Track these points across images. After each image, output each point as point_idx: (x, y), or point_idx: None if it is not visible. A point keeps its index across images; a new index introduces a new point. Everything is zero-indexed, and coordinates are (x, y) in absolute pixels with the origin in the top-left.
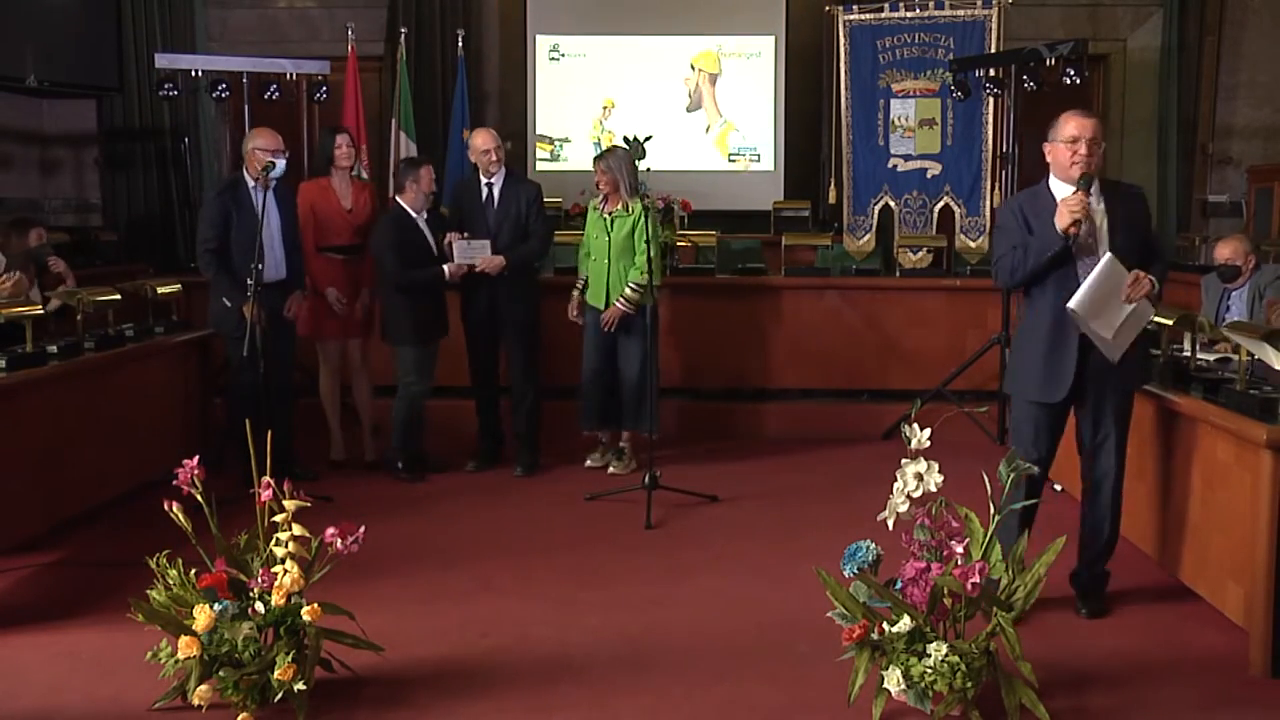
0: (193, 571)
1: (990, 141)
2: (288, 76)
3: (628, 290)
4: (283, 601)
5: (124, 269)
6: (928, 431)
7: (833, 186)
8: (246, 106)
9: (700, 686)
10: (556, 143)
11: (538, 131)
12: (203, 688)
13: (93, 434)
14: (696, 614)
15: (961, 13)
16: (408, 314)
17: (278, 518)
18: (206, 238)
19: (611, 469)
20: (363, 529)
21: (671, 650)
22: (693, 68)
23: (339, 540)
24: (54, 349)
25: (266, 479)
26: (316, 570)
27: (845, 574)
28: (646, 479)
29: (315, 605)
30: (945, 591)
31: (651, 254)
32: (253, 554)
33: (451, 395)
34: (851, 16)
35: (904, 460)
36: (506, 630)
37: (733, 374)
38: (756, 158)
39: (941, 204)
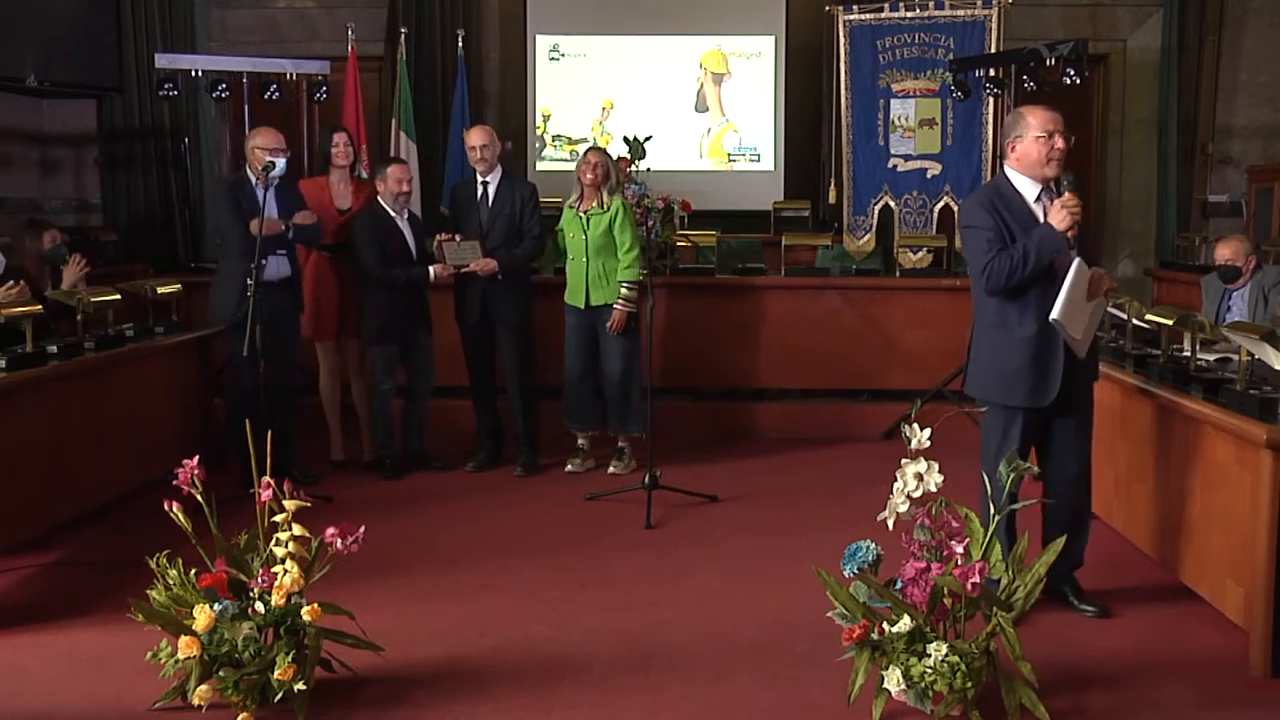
0: (193, 571)
1: (990, 141)
2: (288, 76)
3: (624, 290)
4: (283, 601)
5: (124, 269)
6: (928, 431)
7: (833, 186)
8: (246, 106)
9: (700, 686)
10: (576, 142)
11: (555, 132)
12: (203, 688)
13: (93, 434)
14: (696, 614)
15: (961, 13)
16: (376, 313)
17: (278, 518)
18: (226, 225)
19: (611, 469)
20: (363, 529)
21: (671, 650)
22: (701, 67)
23: (339, 540)
24: (54, 349)
25: (266, 479)
26: (316, 570)
27: (845, 574)
28: (646, 479)
29: (315, 605)
30: (945, 591)
31: (635, 250)
32: (253, 554)
33: (451, 395)
34: (851, 16)
35: (904, 460)
36: (506, 630)
37: (733, 374)
38: (756, 158)
39: (941, 204)
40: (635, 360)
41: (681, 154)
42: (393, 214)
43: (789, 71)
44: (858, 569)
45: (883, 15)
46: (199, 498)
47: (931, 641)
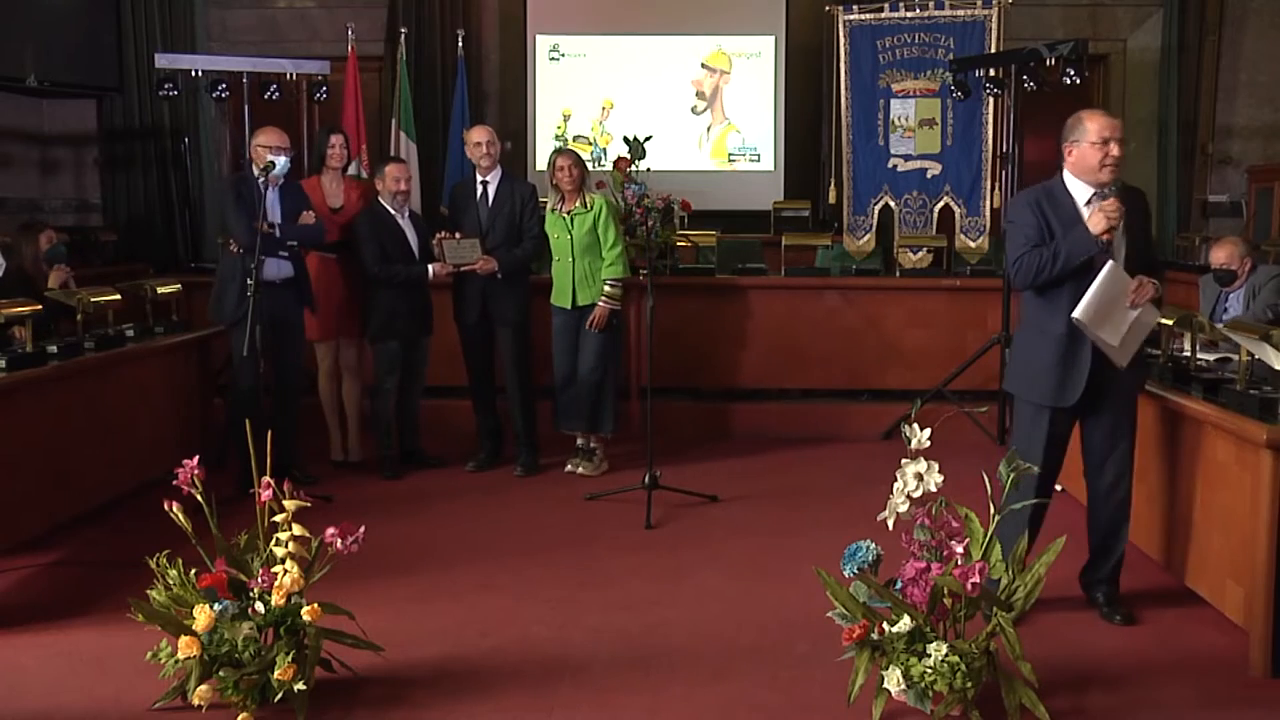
0: (193, 571)
1: (990, 141)
2: (288, 76)
3: (607, 288)
4: (283, 601)
5: (124, 269)
6: (928, 431)
7: (833, 186)
8: (246, 106)
9: (700, 686)
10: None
11: (577, 132)
12: (203, 688)
13: (93, 434)
14: (696, 614)
15: (961, 13)
16: (380, 311)
17: (278, 518)
18: (236, 219)
19: (581, 470)
20: (363, 529)
21: (671, 650)
22: (706, 67)
23: (339, 540)
24: (54, 349)
25: (266, 479)
26: (316, 570)
27: (845, 574)
28: (646, 479)
29: (315, 605)
30: (945, 591)
31: (619, 248)
32: (253, 554)
33: (450, 395)
34: (851, 16)
35: (904, 460)
36: (506, 630)
37: (733, 374)
38: (756, 158)
39: (941, 204)
40: (613, 360)
41: (681, 154)
42: (393, 212)
43: (789, 71)
44: (858, 569)
45: (883, 15)
46: (199, 498)
47: (931, 641)
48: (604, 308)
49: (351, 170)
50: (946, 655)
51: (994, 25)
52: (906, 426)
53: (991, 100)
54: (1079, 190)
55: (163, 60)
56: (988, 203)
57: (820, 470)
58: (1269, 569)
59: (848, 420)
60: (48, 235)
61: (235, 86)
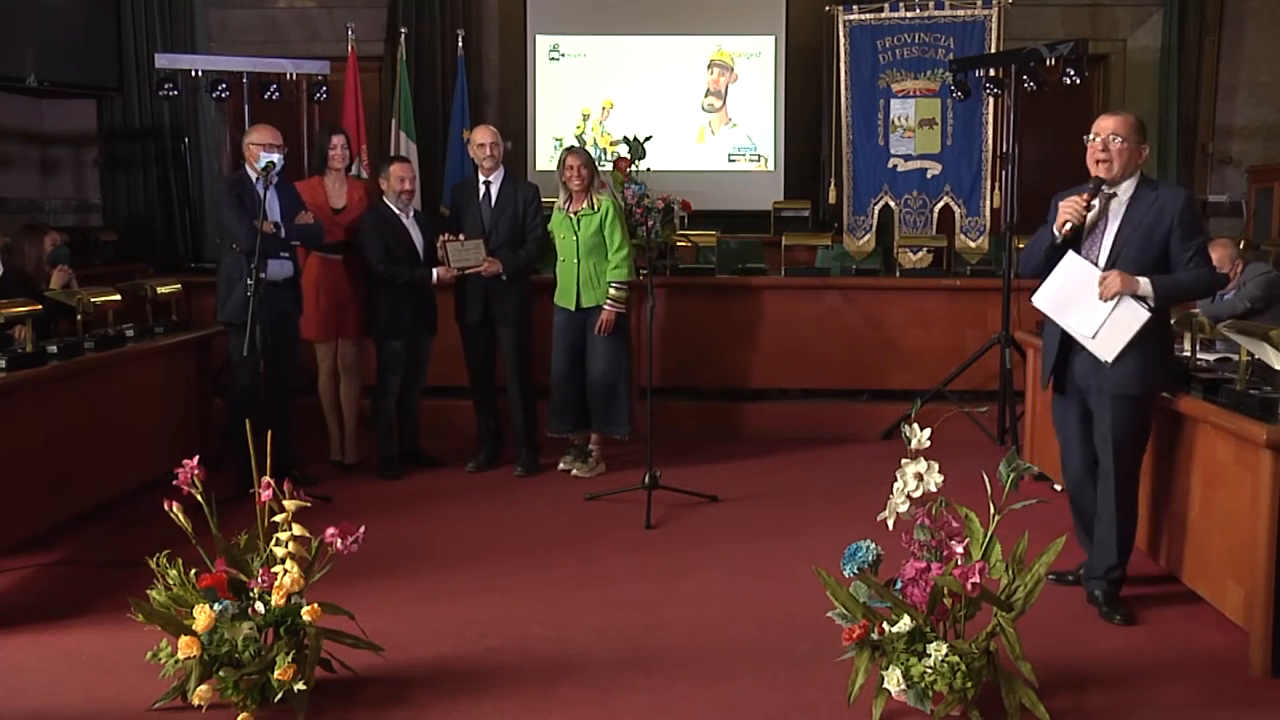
0: (193, 571)
1: (990, 141)
2: (288, 76)
3: (612, 291)
4: (283, 601)
5: (124, 269)
6: (928, 431)
7: (833, 186)
8: (246, 106)
9: (700, 686)
10: (617, 143)
11: (600, 133)
12: (203, 688)
13: (93, 434)
14: (696, 614)
15: (961, 13)
16: (385, 310)
17: (278, 518)
18: (236, 220)
19: (575, 471)
20: (363, 529)
21: (671, 650)
22: (717, 64)
23: (339, 540)
24: (54, 349)
25: (266, 479)
26: (316, 570)
27: (845, 574)
28: (646, 479)
29: (315, 605)
30: (945, 591)
31: (625, 250)
32: (253, 554)
33: (450, 395)
34: (851, 16)
35: (904, 460)
36: (506, 630)
37: (733, 374)
38: (756, 158)
39: (941, 204)
40: (624, 361)
41: (681, 154)
42: (397, 212)
43: (789, 71)
44: (858, 569)
45: (883, 15)
46: (199, 498)
47: (931, 641)
48: (610, 311)
49: (352, 171)
50: (946, 655)
51: (994, 25)
52: (906, 426)
53: (991, 100)
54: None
55: (163, 60)
56: (988, 203)
57: (820, 470)
58: (1269, 569)
59: (848, 420)
60: (52, 237)
61: (235, 86)
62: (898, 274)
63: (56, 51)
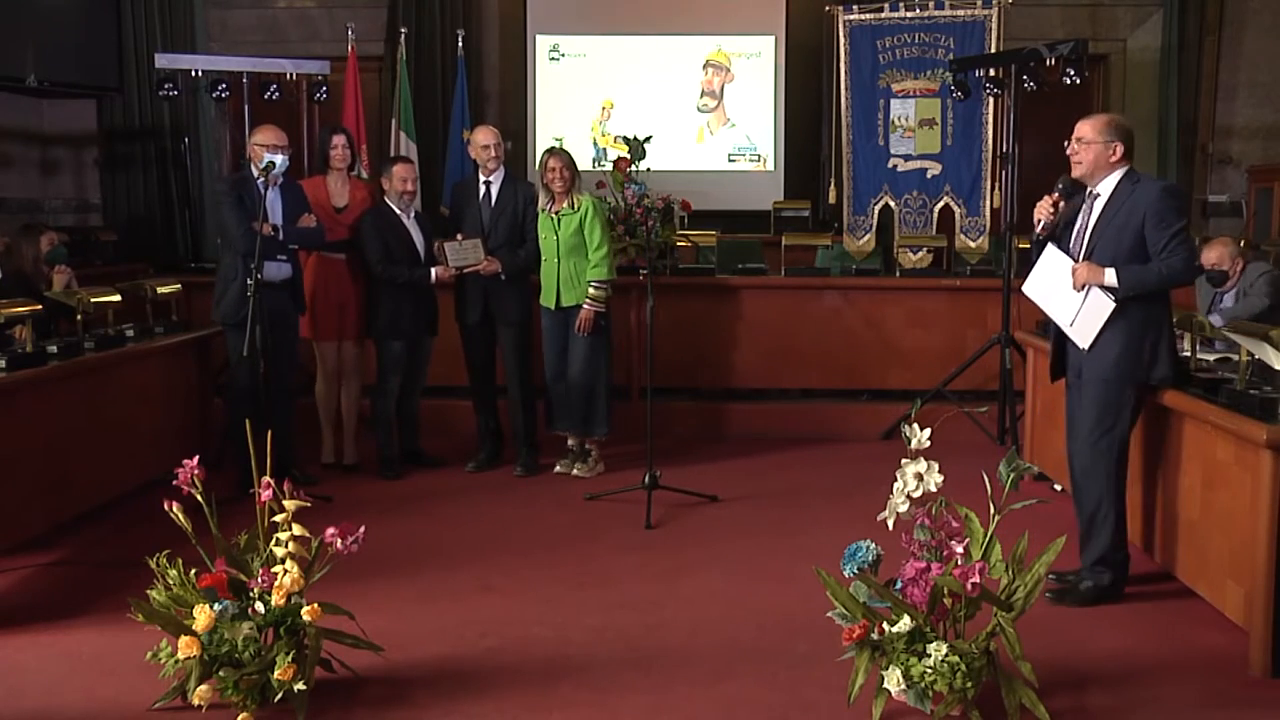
0: (193, 571)
1: (990, 141)
2: (288, 76)
3: (591, 290)
4: (283, 601)
5: (124, 269)
6: (928, 431)
7: (833, 186)
8: (246, 106)
9: (700, 686)
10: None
11: (617, 133)
12: (203, 688)
13: (93, 434)
14: (696, 614)
15: (961, 13)
16: (387, 310)
17: (278, 518)
18: (235, 221)
19: (575, 471)
20: (363, 529)
21: (671, 650)
22: (712, 65)
23: (339, 540)
24: (54, 349)
25: (266, 479)
26: (316, 570)
27: (845, 574)
28: (646, 479)
29: (315, 605)
30: (945, 591)
31: (605, 249)
32: (253, 554)
33: (450, 395)
34: (851, 16)
35: (904, 460)
36: (506, 630)
37: (733, 374)
38: (756, 158)
39: (941, 204)
40: (603, 362)
41: (682, 154)
42: (398, 212)
43: (789, 71)
44: (858, 569)
45: (883, 15)
46: (199, 498)
47: (931, 641)
48: (589, 310)
49: (354, 170)
50: (946, 655)
51: (994, 25)
52: (906, 426)
53: (991, 100)
54: None
55: (163, 60)
56: (988, 203)
57: (820, 470)
58: (1269, 569)
59: (848, 420)
60: (49, 238)
61: (235, 86)
62: (898, 274)
63: (56, 51)
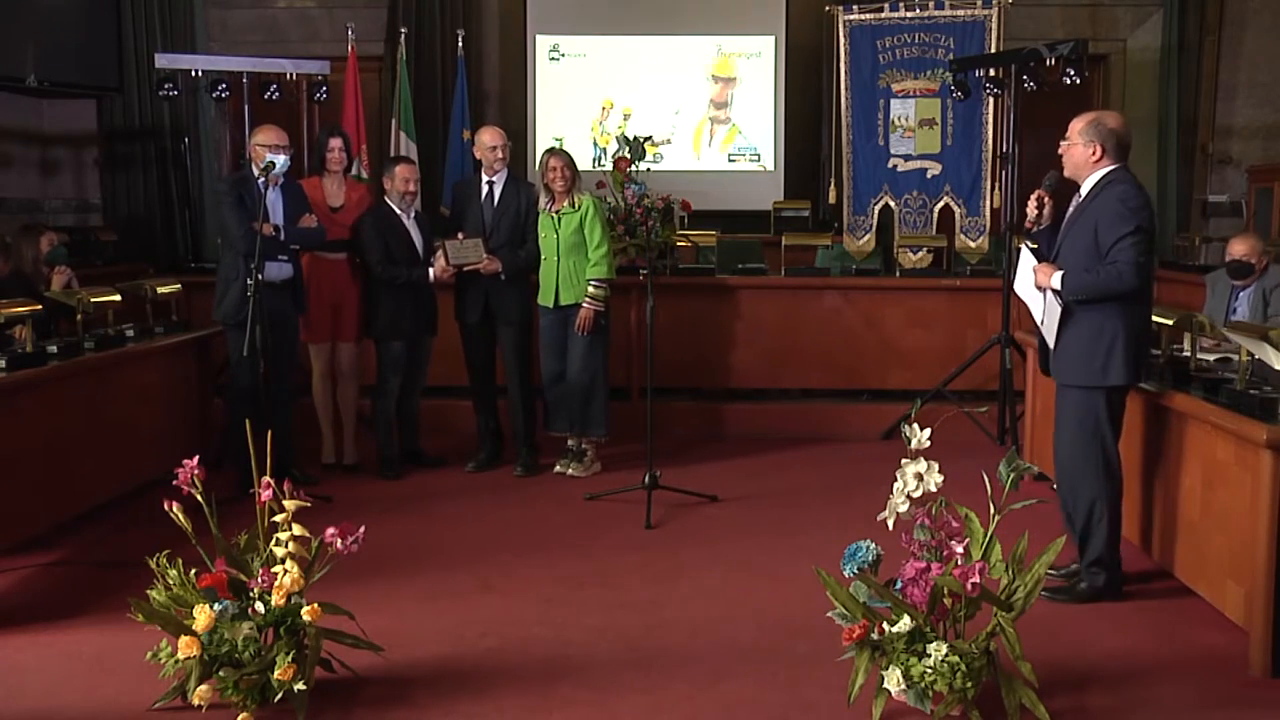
0: (193, 571)
1: (990, 141)
2: (288, 76)
3: (590, 289)
4: (283, 601)
5: (124, 269)
6: (928, 431)
7: (833, 186)
8: (246, 106)
9: (700, 686)
10: (659, 145)
11: (635, 134)
12: (203, 688)
13: (93, 434)
14: (696, 614)
15: (961, 13)
16: (387, 310)
17: (278, 518)
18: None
19: (571, 471)
20: (363, 529)
21: (671, 650)
22: (718, 78)
23: (339, 540)
24: (54, 349)
25: (266, 479)
26: (316, 570)
27: (845, 574)
28: (646, 479)
29: (315, 605)
30: (945, 591)
31: (605, 248)
32: (253, 554)
33: (450, 395)
34: (851, 16)
35: (904, 460)
36: (506, 630)
37: (732, 374)
38: (756, 158)
39: (941, 204)
40: (601, 362)
41: (681, 154)
42: (399, 212)
43: (789, 71)
44: (858, 569)
45: (883, 15)
46: (199, 498)
47: (931, 641)
48: (588, 309)
49: (352, 171)
50: (946, 655)
51: (994, 25)
52: (906, 426)
53: (991, 100)
54: None
55: (163, 60)
56: (988, 203)
57: (820, 470)
58: (1269, 569)
59: (848, 420)
60: (48, 238)
61: (235, 86)
62: (898, 274)
63: (56, 51)
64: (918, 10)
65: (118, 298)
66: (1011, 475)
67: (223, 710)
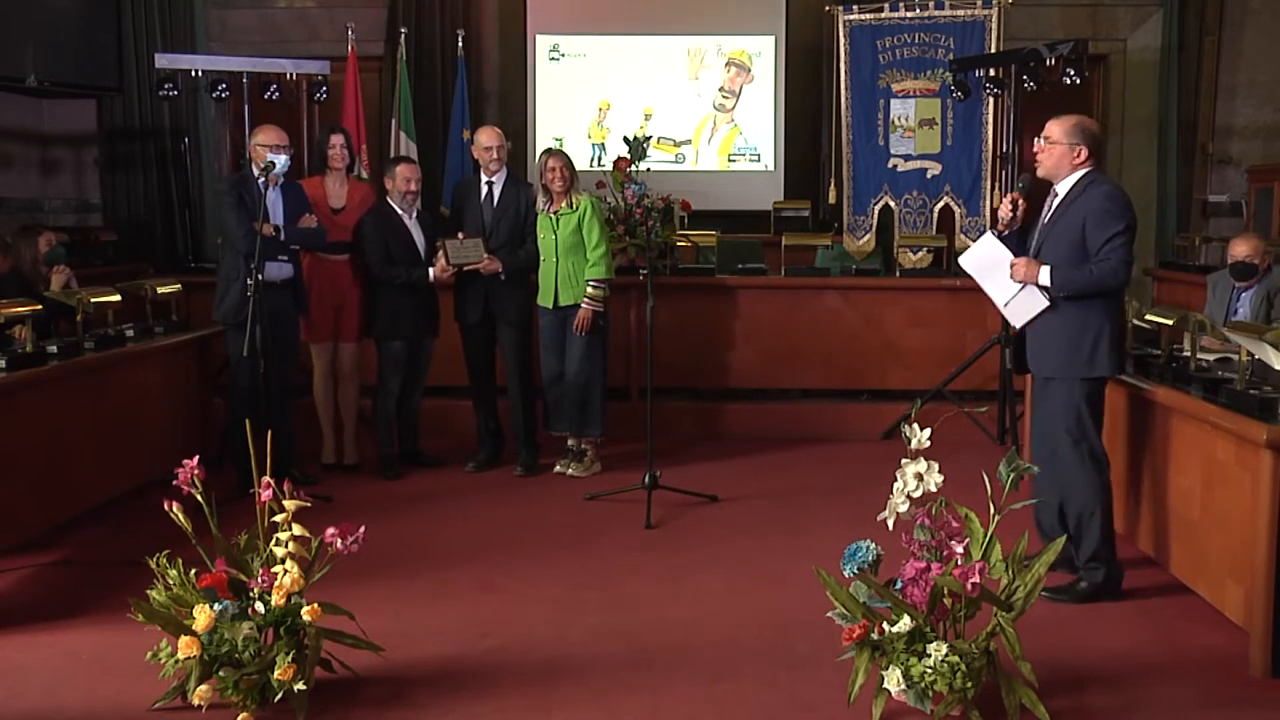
0: (193, 571)
1: (990, 141)
2: (288, 76)
3: (590, 289)
4: (283, 601)
5: (124, 269)
6: (928, 431)
7: (833, 186)
8: (246, 106)
9: (700, 686)
10: (680, 145)
11: (659, 133)
12: (203, 688)
13: (93, 434)
14: (696, 614)
15: (961, 13)
16: (388, 311)
17: (278, 518)
18: (236, 221)
19: (571, 471)
20: (363, 529)
21: (671, 650)
22: (734, 64)
23: (339, 540)
24: (54, 349)
25: (266, 479)
26: (316, 570)
27: (845, 574)
28: (646, 479)
29: (315, 605)
30: (945, 591)
31: (603, 248)
32: (253, 554)
33: (450, 395)
34: (851, 16)
35: (904, 460)
36: (506, 630)
37: (733, 374)
38: (756, 158)
39: (941, 204)
40: (599, 362)
41: (682, 154)
42: (400, 212)
43: (789, 71)
44: (858, 569)
45: (883, 15)
46: (199, 498)
47: (931, 641)
48: (587, 309)
49: (353, 171)
50: (946, 655)
51: (994, 25)
52: (906, 426)
53: (991, 100)
54: None
55: (163, 60)
56: (987, 203)
57: (820, 470)
58: (1269, 569)
59: (848, 420)
60: (47, 238)
61: (235, 86)
62: (898, 274)
63: (56, 51)
64: (918, 10)
65: (117, 298)
66: (1011, 475)
67: (223, 710)
